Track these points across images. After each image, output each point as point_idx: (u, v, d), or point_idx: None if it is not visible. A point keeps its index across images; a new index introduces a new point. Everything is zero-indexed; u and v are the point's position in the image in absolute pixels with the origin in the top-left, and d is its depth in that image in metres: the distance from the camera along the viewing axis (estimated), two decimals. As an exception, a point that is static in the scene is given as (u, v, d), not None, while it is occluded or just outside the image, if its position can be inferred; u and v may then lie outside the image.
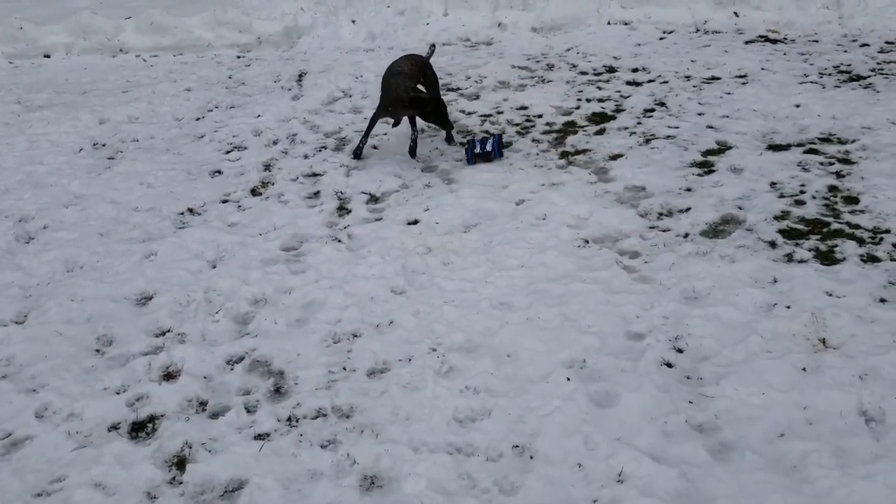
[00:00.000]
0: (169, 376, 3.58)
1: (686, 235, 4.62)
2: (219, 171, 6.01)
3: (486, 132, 6.45)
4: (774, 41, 8.66)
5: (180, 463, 3.07)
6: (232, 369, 3.62)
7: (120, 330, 3.92)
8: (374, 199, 5.42)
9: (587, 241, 4.61)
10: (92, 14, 10.12)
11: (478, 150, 5.89)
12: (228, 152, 6.41)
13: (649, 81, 7.52)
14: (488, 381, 3.41)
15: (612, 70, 8.00)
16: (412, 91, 5.72)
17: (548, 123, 6.63)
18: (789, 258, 4.27)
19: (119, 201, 5.45)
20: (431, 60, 6.43)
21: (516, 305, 3.98)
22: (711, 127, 6.22)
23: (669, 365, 3.49)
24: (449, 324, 3.84)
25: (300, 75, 8.63)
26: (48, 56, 9.90)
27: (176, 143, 6.61)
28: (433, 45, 6.61)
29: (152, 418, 3.33)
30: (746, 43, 8.61)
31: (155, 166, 6.06)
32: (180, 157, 6.27)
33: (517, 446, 3.06)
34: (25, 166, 6.17)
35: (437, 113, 5.79)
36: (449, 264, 4.44)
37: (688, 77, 7.53)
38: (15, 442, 3.22)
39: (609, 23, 9.71)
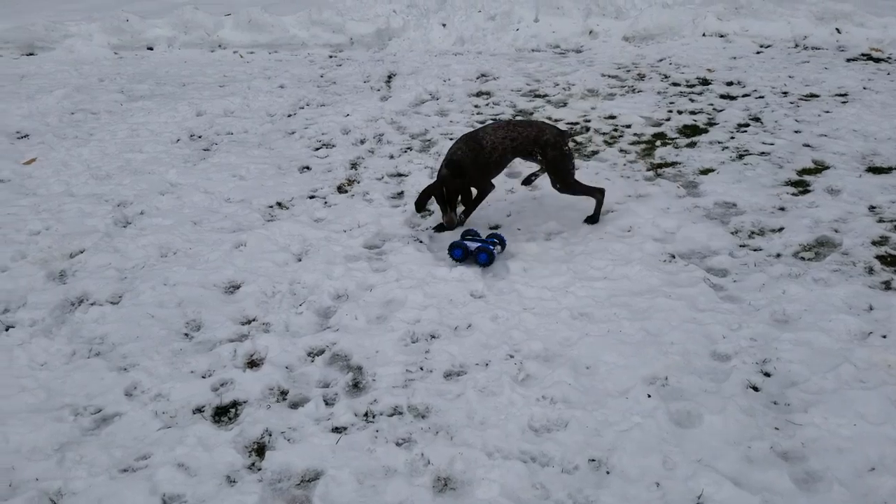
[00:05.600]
0: (253, 364, 3.67)
1: (778, 256, 4.47)
2: (307, 167, 6.14)
3: (484, 236, 4.75)
4: (878, 60, 8.30)
5: (260, 449, 3.15)
6: (313, 361, 3.68)
7: (208, 316, 4.04)
8: (457, 201, 5.43)
9: (673, 256, 4.51)
10: (194, 9, 10.50)
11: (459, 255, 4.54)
12: (317, 149, 6.54)
13: (744, 96, 7.31)
14: (566, 391, 3.37)
15: (705, 82, 7.81)
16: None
17: (636, 134, 6.53)
18: (887, 286, 4.08)
19: (212, 191, 5.62)
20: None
21: (597, 317, 3.92)
22: (808, 145, 6.00)
23: (755, 388, 3.37)
24: (527, 331, 3.82)
25: (389, 76, 8.74)
26: (151, 48, 10.33)
27: (268, 138, 6.79)
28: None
29: (235, 404, 3.42)
30: (848, 61, 8.28)
31: (247, 159, 6.23)
32: (271, 151, 6.43)
33: (593, 460, 3.02)
34: (126, 153, 6.44)
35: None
36: (529, 271, 4.41)
37: (785, 93, 7.29)
38: (105, 417, 3.35)
39: (704, 34, 9.50)
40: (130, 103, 7.91)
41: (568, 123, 6.85)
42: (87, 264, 4.61)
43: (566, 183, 4.83)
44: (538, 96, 7.71)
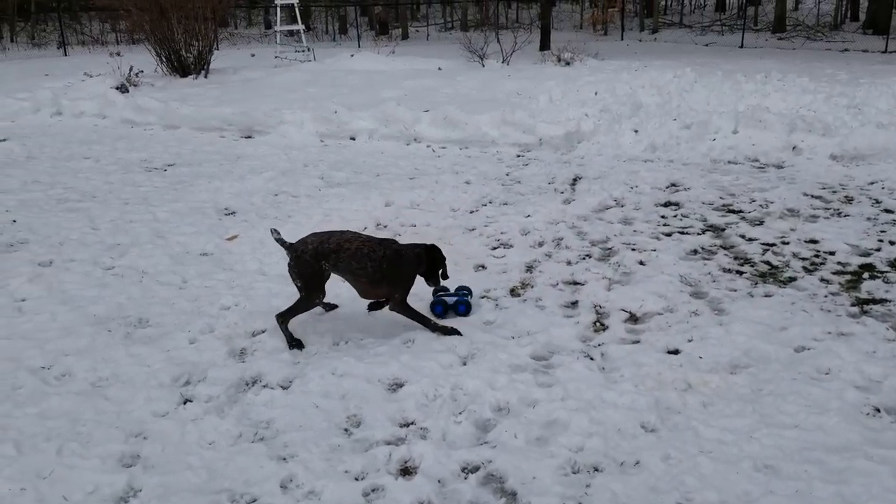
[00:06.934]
0: (406, 472, 3.58)
1: None
2: (483, 266, 6.13)
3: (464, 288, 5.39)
4: None
5: (401, 568, 3.02)
6: (466, 478, 3.53)
7: (369, 412, 4.03)
8: (633, 318, 5.18)
9: (878, 410, 3.97)
10: (396, 105, 11.15)
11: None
12: (495, 248, 6.54)
13: (973, 229, 6.53)
14: (742, 558, 2.98)
15: (925, 211, 7.08)
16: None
17: (840, 263, 5.97)
18: None
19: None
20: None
21: (785, 472, 3.49)
22: None
23: (981, 593, 2.81)
24: (702, 478, 3.45)
25: (574, 179, 8.69)
26: (353, 139, 11.02)
27: (448, 233, 6.90)
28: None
29: (383, 514, 3.33)
30: None
31: (426, 254, 6.33)
32: (450, 247, 6.50)
33: None
34: (316, 238, 6.77)
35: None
36: (709, 407, 4.04)
37: None
38: (259, 508, 3.37)
39: (926, 157, 8.68)
40: (328, 189, 8.39)
41: (763, 244, 6.41)
42: (265, 345, 4.80)
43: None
44: (732, 211, 7.32)
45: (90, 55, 24.16)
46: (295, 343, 4.75)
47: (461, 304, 5.22)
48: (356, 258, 4.68)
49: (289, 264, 4.76)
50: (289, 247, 4.74)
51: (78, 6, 34.60)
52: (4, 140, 11.17)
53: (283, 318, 4.80)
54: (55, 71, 19.25)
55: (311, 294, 4.78)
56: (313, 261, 4.67)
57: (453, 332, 4.89)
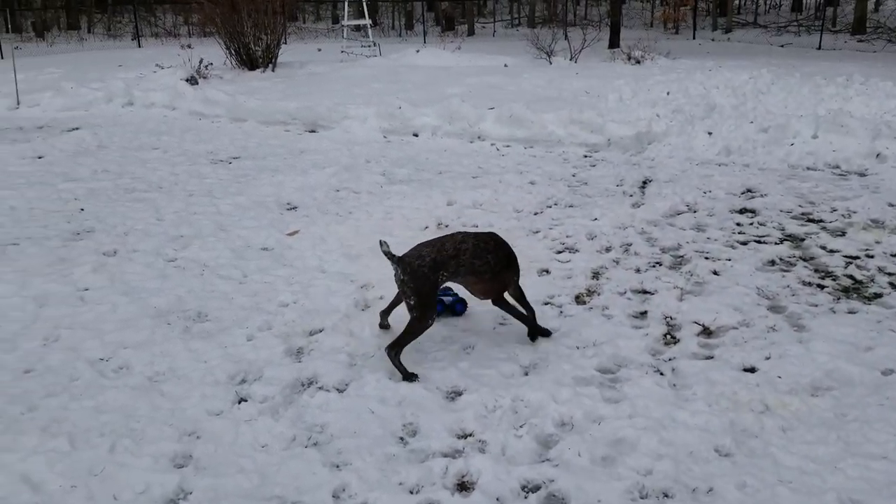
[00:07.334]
0: (462, 487, 3.42)
1: None
2: (546, 271, 5.93)
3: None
4: None
5: (456, 592, 2.86)
6: (526, 497, 3.35)
7: (425, 422, 3.88)
8: (707, 332, 4.90)
9: (980, 445, 3.64)
10: (461, 102, 10.99)
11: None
12: (559, 252, 6.33)
13: None
14: None
15: None
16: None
17: (932, 280, 5.58)
18: None
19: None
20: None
21: (873, 510, 3.21)
22: None
23: None
24: (782, 511, 3.21)
25: (644, 182, 8.40)
26: (416, 135, 10.90)
27: (511, 235, 6.66)
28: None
29: (438, 531, 3.18)
30: None
31: (488, 256, 6.16)
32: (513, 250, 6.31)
33: None
34: (377, 235, 6.63)
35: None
36: (789, 432, 3.77)
37: None
38: (311, 516, 3.26)
39: None
40: (389, 186, 8.28)
41: (845, 257, 6.04)
42: (322, 344, 4.70)
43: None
44: (811, 221, 6.94)
45: (163, 47, 24.70)
46: (409, 376, 4.26)
47: (458, 302, 5.13)
48: (476, 254, 4.40)
49: (401, 279, 4.26)
50: (398, 260, 4.25)
51: (153, -1, 35.50)
52: (77, 129, 11.43)
53: (395, 348, 4.29)
54: (129, 62, 19.71)
55: (425, 312, 4.27)
56: (431, 273, 4.22)
57: (546, 333, 4.82)
